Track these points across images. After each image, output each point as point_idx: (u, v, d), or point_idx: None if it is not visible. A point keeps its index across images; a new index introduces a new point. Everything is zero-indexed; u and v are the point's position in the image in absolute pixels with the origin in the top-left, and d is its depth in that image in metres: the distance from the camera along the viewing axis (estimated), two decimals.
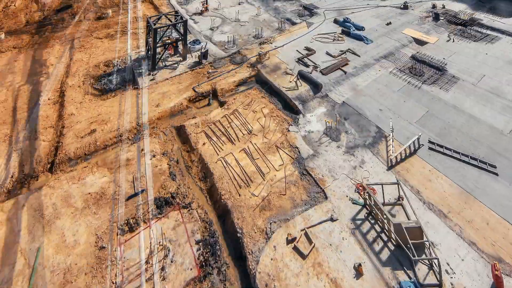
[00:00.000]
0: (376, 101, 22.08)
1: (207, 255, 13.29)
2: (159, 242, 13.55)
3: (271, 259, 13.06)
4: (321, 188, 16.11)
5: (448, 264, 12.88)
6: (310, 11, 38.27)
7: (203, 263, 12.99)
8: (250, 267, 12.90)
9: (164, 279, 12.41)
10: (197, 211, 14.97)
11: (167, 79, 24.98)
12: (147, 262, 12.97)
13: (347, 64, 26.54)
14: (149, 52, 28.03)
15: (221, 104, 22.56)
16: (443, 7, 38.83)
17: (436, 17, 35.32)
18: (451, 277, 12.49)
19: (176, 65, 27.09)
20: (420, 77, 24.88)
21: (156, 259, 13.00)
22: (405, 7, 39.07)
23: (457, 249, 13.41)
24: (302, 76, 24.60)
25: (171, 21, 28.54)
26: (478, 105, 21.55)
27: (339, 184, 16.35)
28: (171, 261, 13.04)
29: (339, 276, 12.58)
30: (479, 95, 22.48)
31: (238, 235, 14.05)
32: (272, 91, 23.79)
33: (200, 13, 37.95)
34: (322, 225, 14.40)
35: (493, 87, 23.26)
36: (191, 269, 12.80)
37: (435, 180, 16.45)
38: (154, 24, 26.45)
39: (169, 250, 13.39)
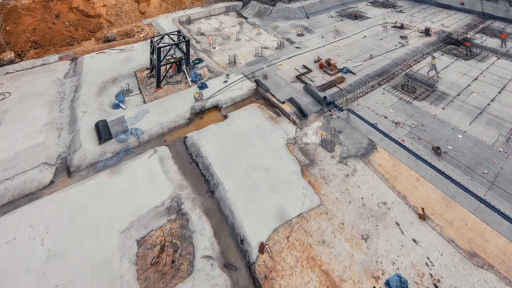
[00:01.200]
0: (369, 116, 24.87)
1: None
2: (169, 240, 15.95)
3: (270, 254, 15.40)
4: (315, 193, 18.60)
5: (428, 258, 15.22)
6: (309, 31, 41.83)
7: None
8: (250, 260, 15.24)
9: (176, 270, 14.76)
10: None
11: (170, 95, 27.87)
12: (159, 256, 15.32)
13: (343, 81, 29.54)
14: (154, 71, 31.08)
15: (224, 117, 25.38)
16: (441, 26, 42.47)
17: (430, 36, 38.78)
18: (430, 269, 14.81)
19: (179, 82, 30.03)
20: (412, 93, 27.80)
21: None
22: (401, 26, 42.67)
23: (437, 245, 15.80)
24: (306, 90, 27.52)
25: (174, 41, 31.58)
26: (465, 119, 24.34)
27: (332, 190, 18.85)
28: (180, 255, 15.41)
29: (330, 268, 14.91)
30: (466, 110, 25.32)
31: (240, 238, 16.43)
32: (272, 106, 26.64)
33: (202, 34, 41.40)
34: (316, 225, 16.80)
35: (479, 103, 26.14)
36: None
37: (420, 186, 18.99)
38: (158, 44, 29.51)
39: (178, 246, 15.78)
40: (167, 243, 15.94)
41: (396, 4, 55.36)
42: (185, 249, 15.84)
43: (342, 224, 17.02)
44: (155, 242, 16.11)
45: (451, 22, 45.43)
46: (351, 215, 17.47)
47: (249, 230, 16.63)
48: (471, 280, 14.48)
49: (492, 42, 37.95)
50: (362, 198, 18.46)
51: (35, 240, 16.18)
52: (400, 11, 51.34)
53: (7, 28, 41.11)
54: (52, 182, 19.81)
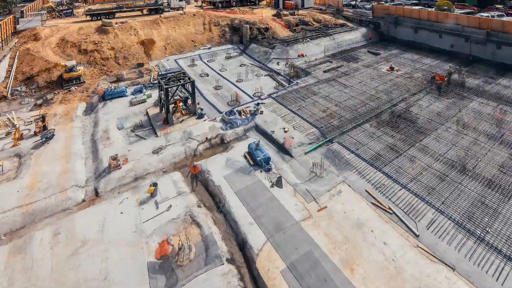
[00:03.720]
0: (355, 147, 31.58)
1: None
2: (186, 243, 21.90)
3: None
4: (305, 208, 24.76)
5: (394, 255, 21.08)
6: (306, 74, 49.88)
7: None
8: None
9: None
10: None
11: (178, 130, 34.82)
12: (177, 255, 21.18)
13: (332, 117, 36.62)
14: (163, 109, 38.09)
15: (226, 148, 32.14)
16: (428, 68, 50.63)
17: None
18: (395, 262, 20.64)
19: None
20: (395, 128, 34.69)
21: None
22: (391, 69, 50.79)
23: (403, 247, 21.73)
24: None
25: (179, 81, 38.72)
26: (440, 151, 30.99)
27: (320, 206, 25.03)
28: (195, 254, 21.30)
29: None
30: (440, 145, 32.02)
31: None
32: (269, 138, 33.52)
33: (207, 75, 49.34)
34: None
35: (452, 138, 32.94)
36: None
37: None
38: (166, 84, 36.71)
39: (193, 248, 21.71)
40: (184, 245, 21.82)
41: (389, 47, 64.46)
42: (198, 250, 21.72)
43: (326, 231, 23.01)
44: (174, 245, 21.99)
45: (440, 65, 53.81)
46: (334, 225, 23.50)
47: (250, 237, 22.60)
48: (428, 271, 20.26)
49: (474, 83, 45.73)
50: (345, 212, 24.64)
51: (76, 243, 22.10)
52: (394, 55, 60.18)
53: (23, 69, 48.99)
54: (83, 200, 26.03)
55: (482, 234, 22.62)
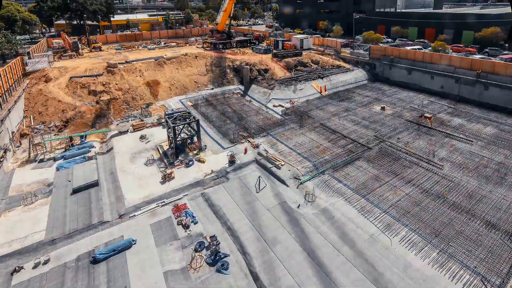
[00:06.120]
0: (344, 177, 39.15)
1: None
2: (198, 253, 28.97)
3: None
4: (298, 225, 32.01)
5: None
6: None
7: None
8: None
9: None
10: None
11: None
12: (191, 262, 28.19)
13: (325, 152, 44.44)
14: (172, 145, 45.96)
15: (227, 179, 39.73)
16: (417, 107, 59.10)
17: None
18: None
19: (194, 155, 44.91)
20: (381, 162, 42.44)
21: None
22: (382, 108, 59.29)
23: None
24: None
25: (185, 120, 46.70)
26: (422, 180, 38.52)
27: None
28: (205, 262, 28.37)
29: None
30: (419, 176, 39.62)
31: None
32: (268, 171, 41.14)
33: (211, 115, 57.75)
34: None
35: (434, 169, 40.64)
36: None
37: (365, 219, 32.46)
38: (173, 123, 44.69)
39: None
40: (196, 255, 28.91)
41: (382, 88, 73.74)
42: (209, 257, 28.79)
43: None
44: (188, 254, 29.04)
45: (428, 105, 62.50)
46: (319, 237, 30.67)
47: (251, 248, 29.68)
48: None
49: (457, 122, 54.09)
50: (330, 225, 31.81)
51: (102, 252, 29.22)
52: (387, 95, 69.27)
53: (39, 110, 57.37)
54: (108, 221, 33.24)
55: (445, 247, 29.78)
